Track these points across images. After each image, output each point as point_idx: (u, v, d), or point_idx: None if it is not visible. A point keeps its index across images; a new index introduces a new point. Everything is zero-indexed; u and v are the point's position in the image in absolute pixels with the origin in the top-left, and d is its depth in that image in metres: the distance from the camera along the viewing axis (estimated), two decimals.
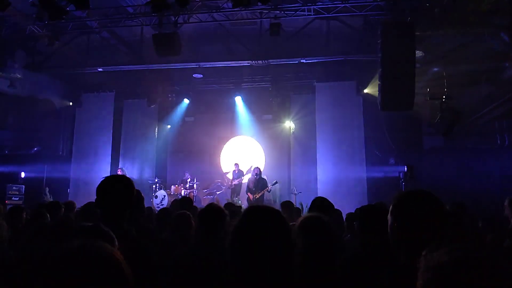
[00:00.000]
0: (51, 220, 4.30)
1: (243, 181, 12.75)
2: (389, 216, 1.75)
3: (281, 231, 1.42)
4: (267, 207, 1.52)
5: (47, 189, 12.77)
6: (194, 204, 11.78)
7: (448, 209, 4.95)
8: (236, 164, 13.12)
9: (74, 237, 1.91)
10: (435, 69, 10.08)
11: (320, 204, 3.56)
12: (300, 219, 2.27)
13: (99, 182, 2.45)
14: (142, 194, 3.74)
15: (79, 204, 8.45)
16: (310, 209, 3.63)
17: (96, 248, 1.03)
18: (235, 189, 12.74)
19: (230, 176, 13.47)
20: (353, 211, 5.52)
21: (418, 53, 9.23)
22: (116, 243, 1.81)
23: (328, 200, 3.62)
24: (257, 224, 1.43)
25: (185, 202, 5.12)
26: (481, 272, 0.96)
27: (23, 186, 12.65)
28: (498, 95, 9.90)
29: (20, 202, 11.67)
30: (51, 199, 11.17)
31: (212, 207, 2.80)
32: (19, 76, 11.43)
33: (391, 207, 1.74)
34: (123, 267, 1.04)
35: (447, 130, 10.30)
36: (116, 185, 2.41)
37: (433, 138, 12.09)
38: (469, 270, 0.97)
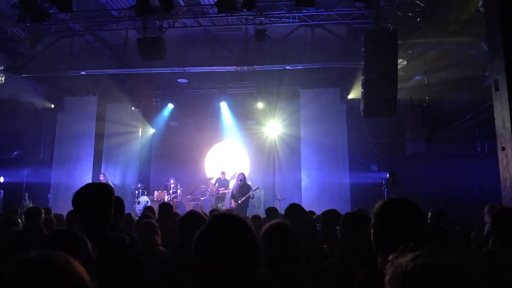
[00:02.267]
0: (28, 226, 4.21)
1: (229, 187, 12.74)
2: (371, 224, 1.76)
3: (244, 240, 1.41)
4: (232, 215, 1.50)
5: (27, 194, 12.52)
6: (178, 210, 11.72)
7: (429, 219, 5.03)
8: (223, 173, 13.08)
9: (45, 242, 1.88)
10: (417, 77, 10.24)
11: (294, 210, 3.59)
12: (264, 228, 2.26)
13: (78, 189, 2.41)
14: (123, 200, 3.71)
15: (59, 210, 8.28)
16: (285, 216, 3.65)
17: (50, 259, 0.98)
18: (220, 196, 12.70)
19: (214, 181, 13.41)
20: None
21: (401, 61, 9.37)
22: (89, 247, 1.78)
23: (301, 206, 3.67)
24: (221, 231, 1.42)
25: (164, 209, 5.06)
26: (447, 279, 0.96)
27: (2, 191, 12.38)
28: (478, 102, 10.10)
29: None
30: (31, 205, 10.93)
31: (192, 214, 2.77)
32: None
33: (372, 215, 1.76)
34: (79, 279, 1.00)
35: (429, 136, 10.46)
36: (95, 194, 2.37)
37: (416, 145, 12.26)
38: (435, 278, 0.97)
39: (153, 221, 4.10)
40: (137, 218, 5.94)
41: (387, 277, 1.06)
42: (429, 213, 5.32)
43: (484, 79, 9.58)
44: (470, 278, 0.98)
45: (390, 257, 1.11)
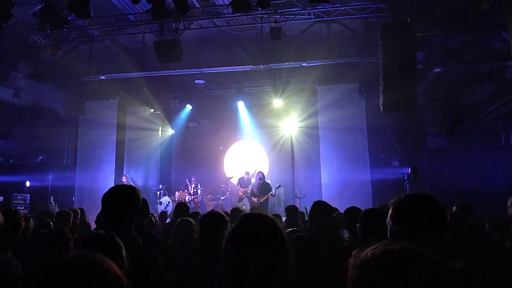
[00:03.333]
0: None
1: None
2: (388, 221, 1.73)
3: (275, 240, 1.41)
4: (262, 214, 1.51)
5: (52, 197, 12.81)
6: (199, 209, 11.79)
7: (453, 211, 4.94)
8: (247, 172, 13.03)
9: (83, 244, 1.93)
10: (437, 69, 10.05)
11: (320, 208, 3.55)
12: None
13: (104, 190, 2.48)
14: (147, 202, 3.78)
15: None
16: (310, 213, 3.62)
17: (90, 260, 1.02)
18: (248, 195, 12.61)
19: (233, 181, 13.42)
20: None
21: (419, 54, 9.21)
22: (124, 252, 1.82)
23: (327, 203, 3.62)
24: (251, 231, 1.42)
25: (180, 208, 5.10)
26: (402, 267, 0.96)
27: (28, 195, 12.71)
28: (501, 93, 9.86)
29: (26, 211, 11.70)
30: (56, 208, 11.20)
31: (212, 213, 2.79)
32: (23, 85, 11.53)
33: (390, 211, 1.73)
34: (118, 280, 1.03)
35: (451, 130, 10.26)
36: (123, 196, 2.43)
37: (437, 139, 12.03)
38: (390, 266, 0.97)
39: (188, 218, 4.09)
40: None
41: (349, 271, 1.07)
42: (454, 208, 5.22)
43: (506, 69, 9.34)
44: (432, 263, 0.98)
45: (354, 252, 1.13)
